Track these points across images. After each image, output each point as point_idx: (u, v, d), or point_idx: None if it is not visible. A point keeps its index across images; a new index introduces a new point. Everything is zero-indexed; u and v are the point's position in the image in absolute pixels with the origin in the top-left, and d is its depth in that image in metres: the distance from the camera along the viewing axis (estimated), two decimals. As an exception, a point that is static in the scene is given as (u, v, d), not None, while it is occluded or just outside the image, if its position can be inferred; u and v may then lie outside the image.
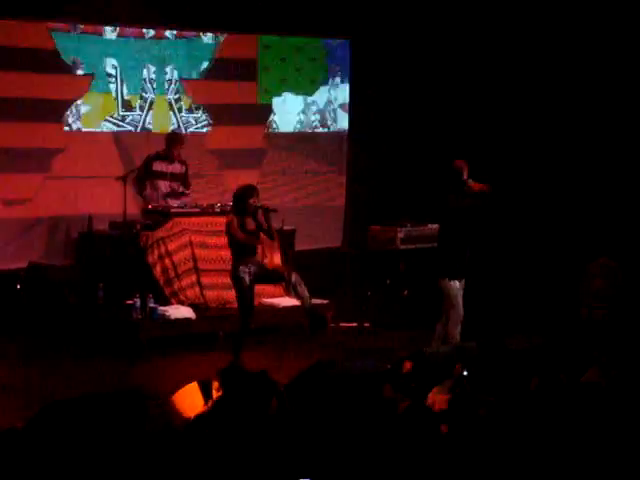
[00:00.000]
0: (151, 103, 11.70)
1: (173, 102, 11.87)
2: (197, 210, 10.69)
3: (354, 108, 13.23)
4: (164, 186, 10.77)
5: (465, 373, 6.16)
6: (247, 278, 8.74)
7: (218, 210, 10.75)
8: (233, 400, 6.16)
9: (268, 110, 12.46)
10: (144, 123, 11.69)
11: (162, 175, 10.74)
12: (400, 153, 12.94)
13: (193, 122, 12.00)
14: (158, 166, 10.74)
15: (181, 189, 10.87)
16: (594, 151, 11.93)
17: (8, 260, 10.78)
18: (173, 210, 10.53)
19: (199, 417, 6.03)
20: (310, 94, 12.73)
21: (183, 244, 10.41)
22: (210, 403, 6.37)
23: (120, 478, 5.10)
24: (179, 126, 11.86)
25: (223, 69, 11.99)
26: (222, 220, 10.62)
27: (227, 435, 5.40)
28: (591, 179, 11.91)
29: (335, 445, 5.05)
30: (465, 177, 9.18)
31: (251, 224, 8.76)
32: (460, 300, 9.12)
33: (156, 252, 10.27)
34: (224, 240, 10.48)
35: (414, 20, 12.71)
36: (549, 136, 12.24)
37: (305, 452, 5.03)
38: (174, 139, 10.93)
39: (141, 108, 11.66)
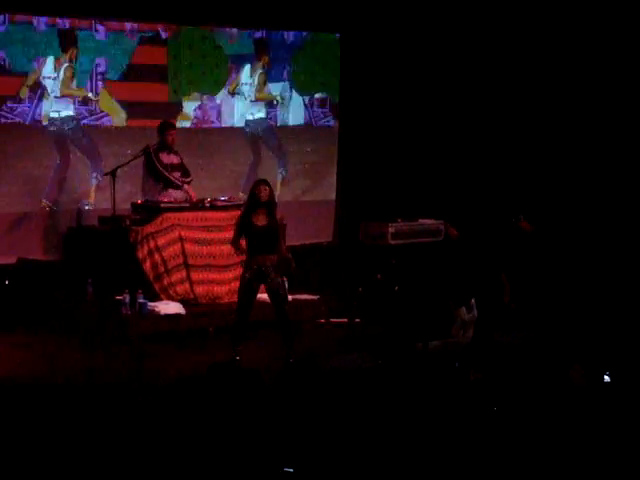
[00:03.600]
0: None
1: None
2: (187, 205, 10.63)
3: (345, 103, 13.20)
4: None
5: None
6: (245, 278, 8.63)
7: (208, 205, 10.70)
8: (224, 394, 6.14)
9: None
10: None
11: (166, 167, 10.67)
12: (392, 149, 12.91)
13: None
14: (165, 158, 10.66)
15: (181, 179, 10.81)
16: (589, 150, 11.93)
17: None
18: (163, 205, 10.46)
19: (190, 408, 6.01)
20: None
21: (173, 239, 10.35)
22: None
23: None
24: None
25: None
26: (212, 215, 10.63)
27: (218, 425, 5.37)
28: (587, 182, 11.92)
29: (321, 437, 5.03)
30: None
31: (262, 220, 8.59)
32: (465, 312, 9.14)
33: (146, 247, 10.20)
34: (214, 235, 10.48)
35: (404, 15, 12.68)
36: (538, 132, 12.23)
37: (291, 443, 5.00)
38: (168, 127, 10.83)
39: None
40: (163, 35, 11.81)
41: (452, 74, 12.67)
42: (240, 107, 12.56)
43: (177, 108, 12.00)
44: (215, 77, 12.27)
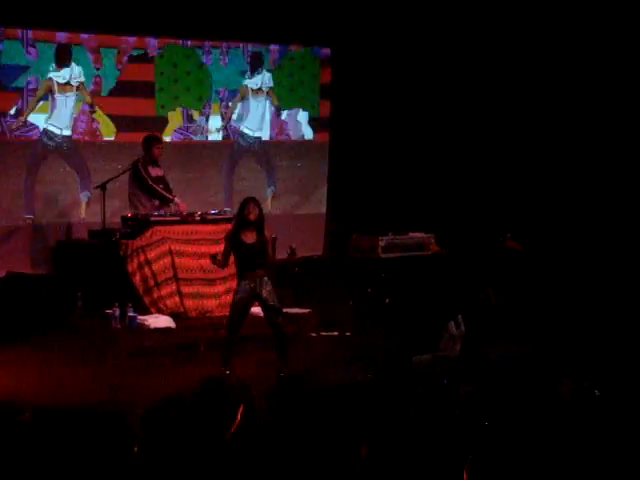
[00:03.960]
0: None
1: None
2: (177, 218, 10.60)
3: (336, 117, 13.21)
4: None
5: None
6: (238, 295, 8.61)
7: (198, 219, 10.68)
8: (216, 410, 6.10)
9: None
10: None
11: (154, 180, 10.65)
12: (382, 162, 12.92)
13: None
14: (152, 172, 10.64)
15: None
16: (576, 168, 11.96)
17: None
18: (153, 218, 10.44)
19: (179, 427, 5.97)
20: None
21: (163, 253, 10.32)
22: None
23: None
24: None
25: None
26: (202, 229, 10.62)
27: (207, 444, 5.34)
28: (578, 189, 11.94)
29: (312, 455, 5.01)
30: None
31: (251, 238, 8.57)
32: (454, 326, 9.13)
33: (135, 261, 10.18)
34: (204, 248, 10.45)
35: (395, 31, 12.69)
36: (526, 152, 12.27)
37: (282, 462, 4.98)
38: (155, 140, 10.83)
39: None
40: (150, 53, 11.95)
41: (441, 90, 12.68)
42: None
43: (163, 122, 12.11)
44: (199, 93, 12.36)
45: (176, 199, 10.74)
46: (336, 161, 13.21)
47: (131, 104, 11.82)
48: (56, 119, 11.35)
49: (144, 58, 11.94)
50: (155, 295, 10.20)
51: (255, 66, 12.69)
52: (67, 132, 11.45)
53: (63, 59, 11.33)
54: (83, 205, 11.47)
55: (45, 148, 11.35)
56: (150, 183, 10.54)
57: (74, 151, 11.49)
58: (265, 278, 8.55)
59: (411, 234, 11.85)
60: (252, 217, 8.48)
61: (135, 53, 11.86)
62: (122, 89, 11.75)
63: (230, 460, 5.13)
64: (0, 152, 11.05)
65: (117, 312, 9.67)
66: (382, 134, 12.92)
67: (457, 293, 9.05)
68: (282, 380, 8.24)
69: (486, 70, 12.43)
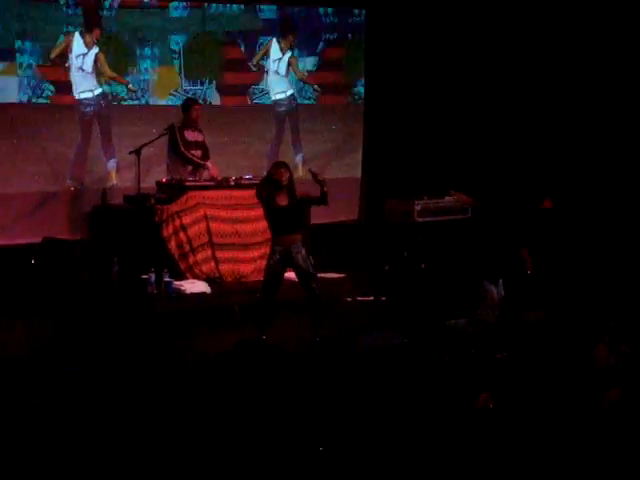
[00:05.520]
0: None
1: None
2: (212, 183, 10.59)
3: (370, 80, 13.11)
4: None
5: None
6: (272, 260, 8.62)
7: (233, 184, 10.65)
8: (252, 370, 6.13)
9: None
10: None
11: (191, 145, 10.63)
12: (418, 126, 12.82)
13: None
14: (189, 135, 10.62)
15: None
16: (613, 129, 11.83)
17: (22, 234, 10.74)
18: (188, 183, 10.43)
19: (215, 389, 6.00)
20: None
21: (198, 218, 10.32)
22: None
23: None
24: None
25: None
26: (237, 194, 10.59)
27: (243, 403, 5.37)
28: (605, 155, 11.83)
29: (348, 415, 5.01)
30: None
31: (283, 201, 8.59)
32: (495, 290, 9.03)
33: (171, 226, 10.19)
34: (239, 213, 10.45)
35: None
36: (562, 111, 12.15)
37: (318, 423, 4.99)
38: (193, 102, 10.82)
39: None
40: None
41: (479, 50, 12.55)
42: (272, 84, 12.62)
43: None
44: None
45: (208, 164, 10.69)
46: (372, 124, 13.13)
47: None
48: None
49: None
50: (191, 260, 10.21)
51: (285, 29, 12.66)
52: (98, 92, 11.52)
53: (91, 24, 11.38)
54: (113, 172, 11.50)
55: (83, 113, 11.38)
56: (182, 149, 10.51)
57: (106, 115, 11.53)
58: (299, 243, 8.56)
59: (447, 198, 11.79)
60: (284, 181, 8.53)
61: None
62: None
63: (266, 418, 5.15)
64: (40, 116, 11.08)
65: (153, 277, 9.69)
66: (418, 96, 12.81)
67: (496, 256, 8.96)
68: (317, 344, 8.26)
69: (528, 30, 12.27)
